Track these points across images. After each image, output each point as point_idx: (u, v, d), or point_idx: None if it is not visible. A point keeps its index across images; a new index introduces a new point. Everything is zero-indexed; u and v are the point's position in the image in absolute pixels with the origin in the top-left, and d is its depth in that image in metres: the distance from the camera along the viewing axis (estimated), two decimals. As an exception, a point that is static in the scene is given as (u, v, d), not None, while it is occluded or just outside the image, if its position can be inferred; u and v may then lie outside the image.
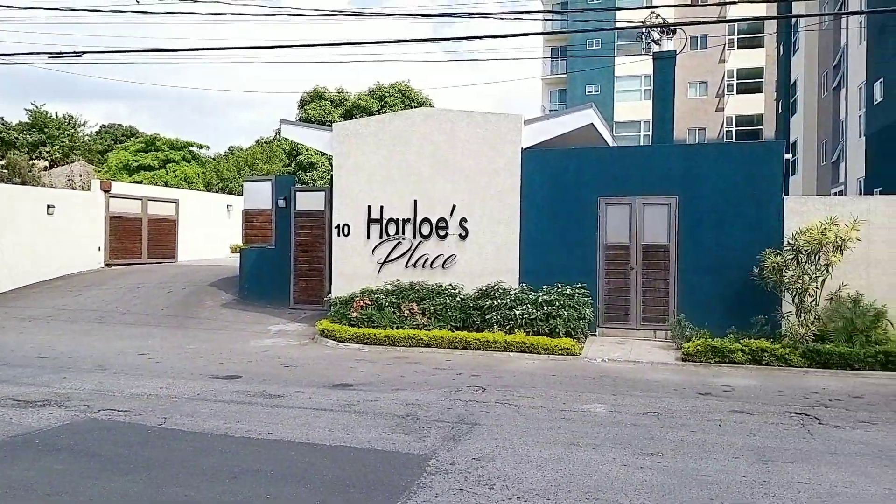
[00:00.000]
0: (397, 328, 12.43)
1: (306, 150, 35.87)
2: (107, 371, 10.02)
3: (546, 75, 46.40)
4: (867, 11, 19.73)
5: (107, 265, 22.67)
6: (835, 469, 5.78)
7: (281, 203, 16.65)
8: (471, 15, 12.38)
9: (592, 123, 14.01)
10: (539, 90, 47.74)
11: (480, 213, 13.24)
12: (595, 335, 12.57)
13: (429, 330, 12.26)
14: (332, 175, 14.67)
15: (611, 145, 15.64)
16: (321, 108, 37.60)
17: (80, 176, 34.53)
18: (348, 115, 37.29)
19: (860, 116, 21.85)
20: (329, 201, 15.17)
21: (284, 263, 16.48)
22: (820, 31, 27.40)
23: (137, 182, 32.51)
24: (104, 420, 7.29)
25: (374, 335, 12.20)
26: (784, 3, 30.32)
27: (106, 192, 22.85)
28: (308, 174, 37.08)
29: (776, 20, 33.97)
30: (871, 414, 7.65)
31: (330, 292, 14.20)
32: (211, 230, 27.93)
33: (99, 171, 36.84)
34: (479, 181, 13.25)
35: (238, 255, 19.02)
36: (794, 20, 29.09)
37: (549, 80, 46.72)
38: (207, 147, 43.05)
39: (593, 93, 43.40)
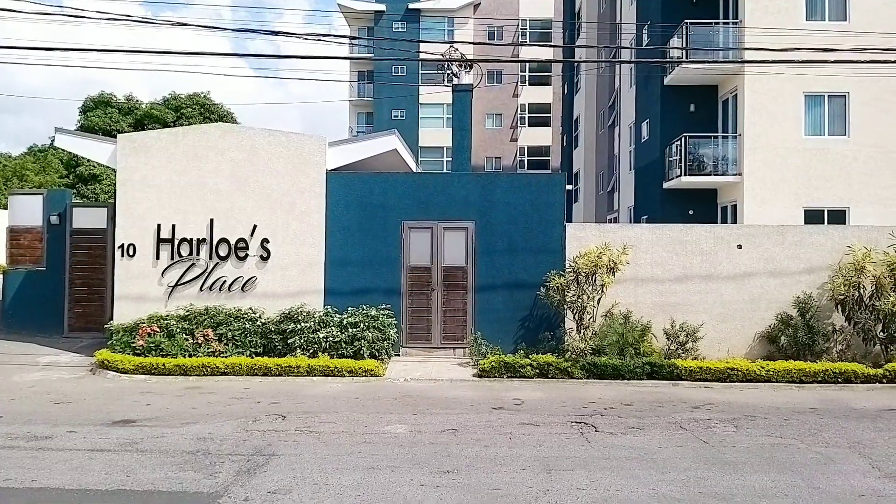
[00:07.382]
0: (190, 356, 11.62)
1: (88, 160, 32.59)
2: None
3: (354, 97, 46.77)
4: (636, 61, 22.56)
5: None
6: (609, 474, 6.38)
7: (54, 220, 14.87)
8: (274, 33, 12.08)
9: (396, 149, 14.34)
10: (347, 112, 47.99)
11: (284, 233, 12.89)
12: (399, 355, 12.75)
13: (226, 357, 11.62)
14: (116, 189, 13.43)
15: (414, 170, 16.12)
16: (107, 115, 34.47)
17: None
18: (139, 125, 34.59)
19: (630, 152, 24.73)
20: (112, 218, 13.83)
21: (58, 287, 14.70)
22: (598, 75, 30.69)
23: None
24: None
25: (164, 364, 11.29)
26: (567, 48, 33.60)
27: None
28: (90, 187, 33.72)
29: (561, 63, 37.48)
30: (639, 420, 8.57)
31: (112, 318, 12.91)
32: (-34, 248, 24.11)
33: None
34: (283, 201, 12.91)
35: (0, 277, 16.65)
36: (576, 63, 32.33)
37: (357, 103, 47.15)
38: (-36, 153, 37.50)
39: (399, 117, 44.50)
